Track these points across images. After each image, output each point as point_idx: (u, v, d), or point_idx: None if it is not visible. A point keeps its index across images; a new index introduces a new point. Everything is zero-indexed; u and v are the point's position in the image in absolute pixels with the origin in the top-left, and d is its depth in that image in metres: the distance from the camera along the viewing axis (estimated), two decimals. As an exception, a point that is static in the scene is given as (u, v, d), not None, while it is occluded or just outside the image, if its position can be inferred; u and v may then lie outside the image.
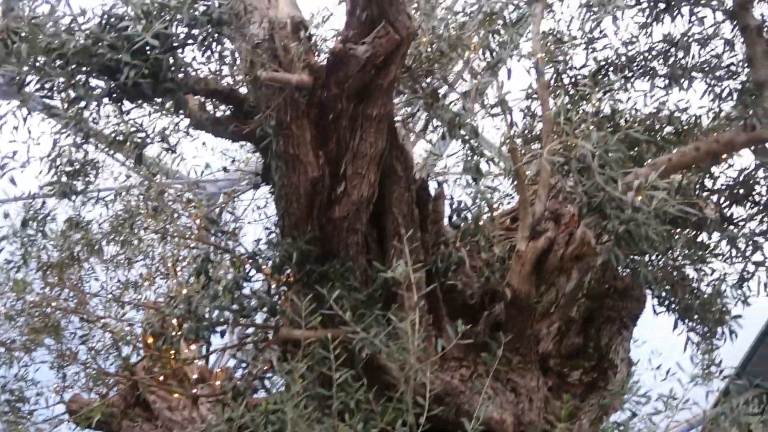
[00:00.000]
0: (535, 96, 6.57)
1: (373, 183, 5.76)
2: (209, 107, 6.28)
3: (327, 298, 5.01)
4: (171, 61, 5.24)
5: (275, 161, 5.70)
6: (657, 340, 7.28)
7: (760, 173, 6.80)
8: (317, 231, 5.82)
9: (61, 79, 5.19)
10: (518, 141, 6.77)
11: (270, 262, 5.92)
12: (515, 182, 5.90)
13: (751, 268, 6.71)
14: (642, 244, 5.09)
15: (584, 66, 6.71)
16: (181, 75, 5.42)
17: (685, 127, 6.88)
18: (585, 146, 5.06)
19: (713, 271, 6.95)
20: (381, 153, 5.77)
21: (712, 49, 6.64)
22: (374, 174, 5.76)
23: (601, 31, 6.53)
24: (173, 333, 5.86)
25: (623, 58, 6.67)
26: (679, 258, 7.04)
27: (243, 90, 6.03)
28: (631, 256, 6.27)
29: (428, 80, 6.10)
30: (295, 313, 5.16)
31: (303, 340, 5.20)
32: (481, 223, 5.96)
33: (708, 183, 6.99)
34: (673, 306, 7.06)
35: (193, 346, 7.31)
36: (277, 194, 5.95)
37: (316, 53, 6.04)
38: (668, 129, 6.94)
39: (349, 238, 5.83)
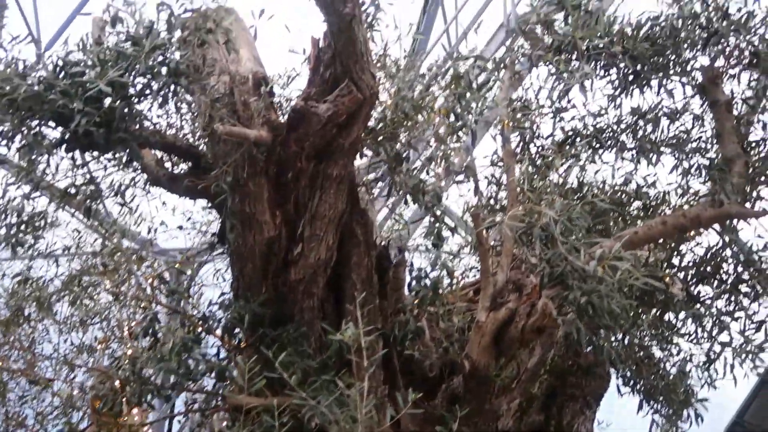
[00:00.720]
0: (500, 164, 6.45)
1: (331, 246, 5.59)
2: (167, 164, 6.11)
3: (275, 362, 4.76)
4: (125, 110, 5.06)
5: (230, 220, 5.51)
6: (623, 421, 7.10)
7: (727, 252, 6.68)
8: (272, 293, 5.62)
9: (11, 126, 5.00)
10: (483, 209, 6.61)
11: (221, 325, 5.70)
12: (478, 251, 5.74)
13: (717, 348, 6.54)
14: (604, 318, 4.92)
15: (551, 135, 6.61)
16: (135, 126, 5.25)
17: (653, 203, 6.77)
18: (548, 214, 4.91)
19: (679, 350, 6.79)
20: (341, 215, 5.61)
21: (682, 124, 6.57)
22: (333, 237, 5.59)
23: (569, 101, 6.45)
24: (116, 396, 5.59)
25: (591, 129, 6.58)
26: (645, 337, 6.88)
27: (202, 146, 5.86)
28: (596, 333, 6.10)
29: (392, 143, 5.95)
30: (244, 379, 4.93)
31: (245, 407, 4.95)
32: (441, 291, 5.78)
33: (675, 260, 6.86)
34: (638, 386, 6.87)
35: (135, 410, 7.01)
36: (231, 254, 5.75)
37: (281, 112, 5.91)
38: (636, 204, 6.83)
39: (304, 302, 5.63)
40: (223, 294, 5.82)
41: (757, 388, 17.37)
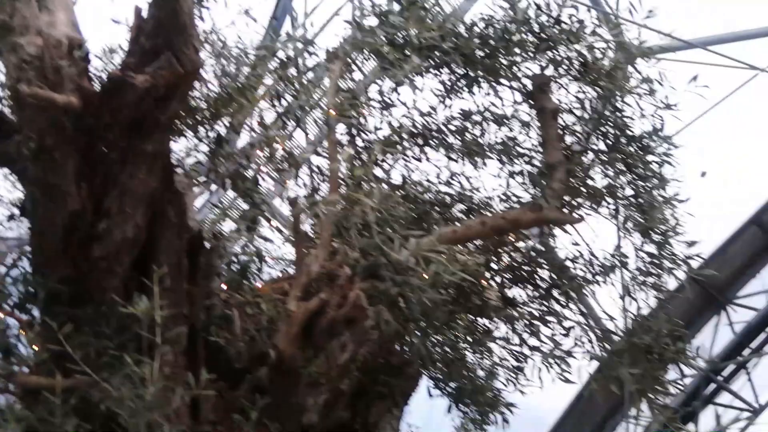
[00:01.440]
0: (324, 153, 6.31)
1: (140, 224, 5.30)
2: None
3: (64, 341, 4.45)
4: None
5: (31, 189, 5.17)
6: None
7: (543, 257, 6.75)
8: (72, 270, 5.28)
9: None
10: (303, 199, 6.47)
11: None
12: (294, 239, 5.58)
13: (527, 352, 6.58)
14: (415, 311, 4.85)
15: (378, 129, 6.52)
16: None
17: (476, 207, 6.77)
18: (366, 202, 4.81)
19: (491, 354, 6.79)
20: (152, 194, 5.33)
21: (510, 130, 6.59)
22: (142, 215, 5.30)
23: (398, 95, 6.37)
24: None
25: (420, 127, 6.52)
26: (459, 341, 6.85)
27: (7, 111, 5.49)
28: (408, 331, 6.03)
29: (213, 124, 5.74)
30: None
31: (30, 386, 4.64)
32: (249, 276, 5.60)
33: (493, 265, 6.87)
34: (448, 389, 6.83)
35: None
36: (31, 227, 5.40)
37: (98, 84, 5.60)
38: (460, 207, 6.81)
39: (106, 281, 5.30)
40: (13, 265, 5.44)
41: (575, 402, 17.91)
